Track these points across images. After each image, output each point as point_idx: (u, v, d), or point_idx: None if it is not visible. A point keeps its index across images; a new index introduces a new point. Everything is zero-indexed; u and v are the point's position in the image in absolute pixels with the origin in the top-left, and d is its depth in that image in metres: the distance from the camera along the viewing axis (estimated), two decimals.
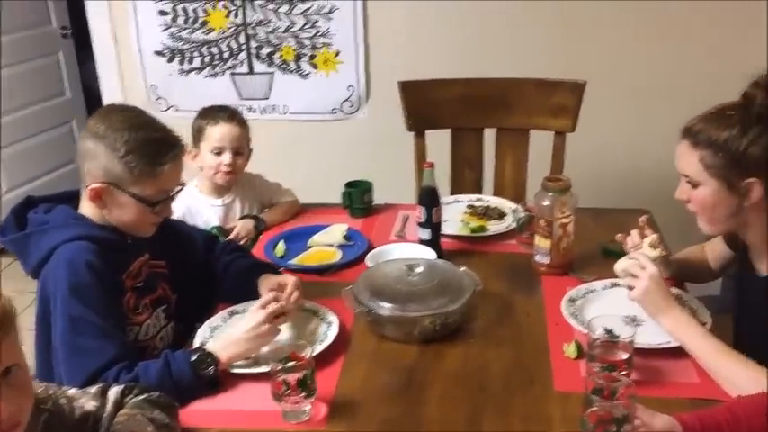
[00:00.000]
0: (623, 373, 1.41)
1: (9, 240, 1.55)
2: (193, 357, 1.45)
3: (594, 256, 1.94)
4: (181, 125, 2.11)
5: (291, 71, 3.11)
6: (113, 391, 1.27)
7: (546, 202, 1.84)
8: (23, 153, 3.91)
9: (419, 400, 1.45)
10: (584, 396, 1.26)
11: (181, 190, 1.61)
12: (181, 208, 2.14)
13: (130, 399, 1.27)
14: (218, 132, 2.18)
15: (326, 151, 3.17)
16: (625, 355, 1.42)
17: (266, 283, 1.69)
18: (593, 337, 1.44)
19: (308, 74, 3.10)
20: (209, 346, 1.50)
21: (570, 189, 1.85)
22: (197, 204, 2.23)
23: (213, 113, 2.20)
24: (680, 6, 2.77)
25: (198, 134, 2.20)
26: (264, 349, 1.53)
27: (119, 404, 1.25)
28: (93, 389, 1.27)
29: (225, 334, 1.57)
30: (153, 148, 1.51)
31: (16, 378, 1.00)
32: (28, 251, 1.53)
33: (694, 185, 1.49)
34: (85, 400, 1.23)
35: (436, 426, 1.38)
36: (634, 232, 1.72)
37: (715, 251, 1.80)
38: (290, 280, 1.67)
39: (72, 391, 1.24)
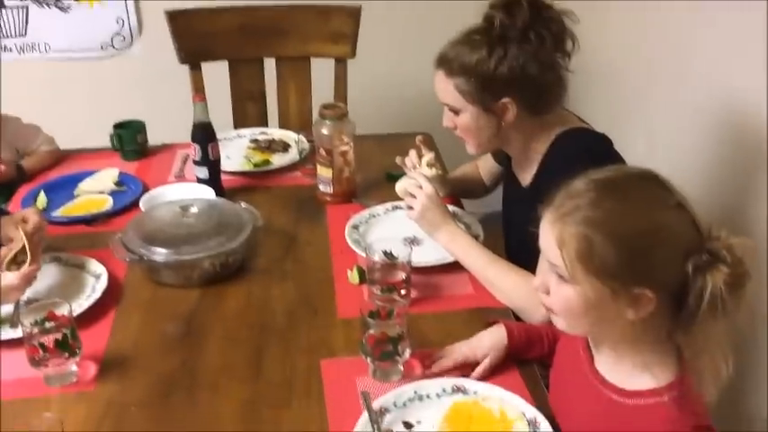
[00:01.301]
0: (402, 292, 1.43)
1: None
2: None
3: (379, 182, 1.95)
4: None
5: (49, 4, 2.78)
6: None
7: (324, 131, 1.80)
8: None
9: (199, 346, 1.38)
10: (361, 320, 1.26)
11: None
12: None
13: None
14: None
15: (98, 92, 2.90)
16: (403, 276, 1.44)
17: (8, 222, 1.50)
18: (373, 261, 1.45)
19: (68, 6, 2.79)
20: None
21: (347, 116, 1.82)
22: None
23: None
24: None
25: None
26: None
27: None
28: None
29: None
30: None
31: None
32: None
33: (456, 112, 1.52)
34: None
35: (219, 370, 1.32)
36: (412, 152, 1.74)
37: (486, 167, 1.87)
38: (31, 217, 1.49)
39: None
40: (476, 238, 1.59)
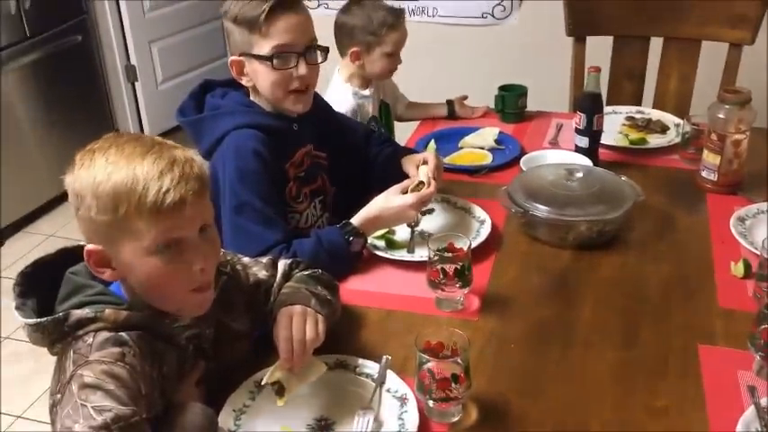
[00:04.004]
0: None
1: (186, 122, 1.62)
2: (342, 229, 1.51)
3: (766, 178, 1.81)
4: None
5: None
6: (282, 264, 1.34)
7: (721, 115, 1.72)
8: (175, 47, 4.09)
9: (572, 303, 1.44)
10: (759, 312, 1.20)
11: (311, 46, 1.54)
12: (344, 107, 2.06)
13: (297, 272, 1.33)
14: (399, 37, 2.09)
15: (474, 57, 3.09)
16: None
17: (410, 161, 1.72)
18: (766, 257, 1.36)
19: None
20: (353, 221, 1.54)
21: (750, 102, 1.72)
22: (350, 98, 2.14)
23: (392, 17, 2.07)
24: None
25: (370, 38, 2.06)
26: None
27: (287, 276, 1.32)
28: (265, 259, 1.33)
29: (365, 210, 1.56)
30: (251, 4, 1.48)
31: (211, 235, 1.07)
32: (201, 134, 1.59)
33: None
34: (258, 269, 1.30)
35: (591, 330, 1.36)
36: None
37: None
38: (431, 156, 1.67)
39: (246, 260, 1.31)
40: None
